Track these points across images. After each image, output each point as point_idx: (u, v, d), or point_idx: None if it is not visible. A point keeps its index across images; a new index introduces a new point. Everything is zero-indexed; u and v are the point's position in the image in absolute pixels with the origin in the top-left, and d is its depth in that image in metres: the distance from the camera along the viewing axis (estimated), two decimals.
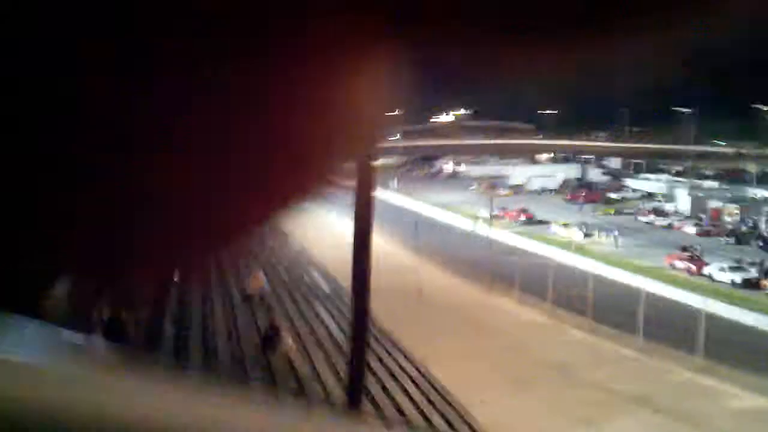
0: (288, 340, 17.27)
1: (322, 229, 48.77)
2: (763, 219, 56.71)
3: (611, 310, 26.45)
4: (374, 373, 17.19)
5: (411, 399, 16.69)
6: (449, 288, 32.98)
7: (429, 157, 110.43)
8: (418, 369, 19.11)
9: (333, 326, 21.52)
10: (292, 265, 31.08)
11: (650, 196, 72.52)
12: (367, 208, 8.82)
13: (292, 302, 23.85)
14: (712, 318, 24.43)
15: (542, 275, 30.06)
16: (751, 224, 56.54)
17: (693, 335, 23.06)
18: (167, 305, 19.85)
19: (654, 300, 26.33)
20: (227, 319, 19.77)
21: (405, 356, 20.21)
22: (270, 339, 17.14)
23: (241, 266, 27.77)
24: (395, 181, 72.20)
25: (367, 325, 9.00)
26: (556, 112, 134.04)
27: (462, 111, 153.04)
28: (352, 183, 8.81)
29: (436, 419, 15.29)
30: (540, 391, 20.55)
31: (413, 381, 18.33)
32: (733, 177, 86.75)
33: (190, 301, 20.85)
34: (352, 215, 8.66)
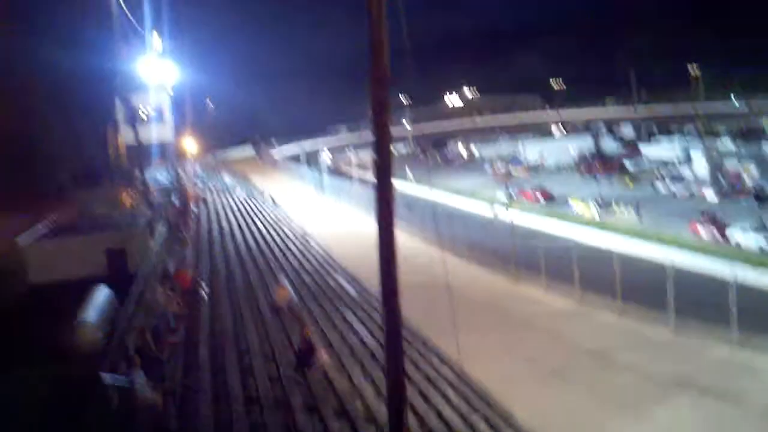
0: (322, 354, 17.25)
1: (342, 228, 48.82)
2: None
3: (640, 289, 26.11)
4: (412, 381, 17.17)
5: (452, 405, 16.66)
6: (476, 280, 32.82)
7: (440, 142, 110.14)
8: (455, 371, 19.06)
9: (364, 332, 21.52)
10: (317, 271, 31.06)
11: (666, 162, 71.55)
12: (388, 203, 8.67)
13: (320, 310, 23.81)
14: (742, 286, 23.94)
15: (567, 258, 29.73)
16: None
17: (725, 307, 22.66)
18: (200, 326, 19.93)
19: (682, 272, 25.89)
20: (260, 336, 19.76)
21: (440, 358, 20.18)
22: (304, 354, 17.11)
23: (266, 276, 27.87)
24: (409, 171, 71.91)
25: (400, 331, 8.87)
26: (562, 81, 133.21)
27: (468, 89, 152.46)
28: (370, 177, 8.76)
29: (480, 424, 15.23)
30: (579, 381, 20.39)
31: (451, 385, 18.30)
32: (749, 134, 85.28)
33: (222, 319, 20.92)
34: (373, 212, 8.52)
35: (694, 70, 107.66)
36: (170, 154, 55.14)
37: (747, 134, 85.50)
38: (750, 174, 58.96)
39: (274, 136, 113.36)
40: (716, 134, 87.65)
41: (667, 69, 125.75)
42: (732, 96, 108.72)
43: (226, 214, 46.25)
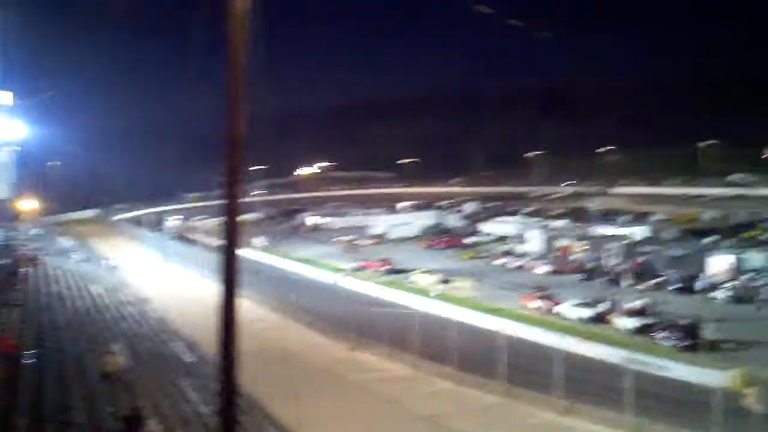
0: (151, 423, 16.63)
1: (183, 293, 47.43)
2: (607, 255, 60.20)
3: (474, 357, 27.12)
4: None
5: None
6: (316, 347, 32.81)
7: (292, 211, 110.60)
8: None
9: (198, 400, 20.93)
10: (152, 337, 30.00)
11: (503, 238, 75.58)
12: (232, 269, 8.68)
13: (154, 377, 22.96)
14: (568, 355, 25.51)
15: (406, 326, 30.45)
16: (597, 261, 59.85)
17: (551, 375, 23.92)
18: (18, 394, 18.60)
19: (513, 341, 27.13)
20: (86, 404, 18.73)
21: (277, 427, 19.96)
22: (131, 423, 16.42)
23: (97, 342, 26.53)
24: (258, 237, 71.59)
25: (235, 399, 8.82)
26: (414, 160, 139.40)
27: (324, 163, 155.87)
28: (215, 243, 8.77)
29: None
30: None
31: None
32: (578, 216, 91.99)
33: (46, 387, 19.67)
34: (218, 277, 8.55)
35: (533, 156, 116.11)
36: (5, 213, 52.00)
37: (577, 215, 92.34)
38: (578, 252, 63.39)
39: (120, 200, 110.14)
40: (550, 214, 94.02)
41: (509, 154, 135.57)
42: (566, 180, 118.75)
43: (59, 278, 43.81)
